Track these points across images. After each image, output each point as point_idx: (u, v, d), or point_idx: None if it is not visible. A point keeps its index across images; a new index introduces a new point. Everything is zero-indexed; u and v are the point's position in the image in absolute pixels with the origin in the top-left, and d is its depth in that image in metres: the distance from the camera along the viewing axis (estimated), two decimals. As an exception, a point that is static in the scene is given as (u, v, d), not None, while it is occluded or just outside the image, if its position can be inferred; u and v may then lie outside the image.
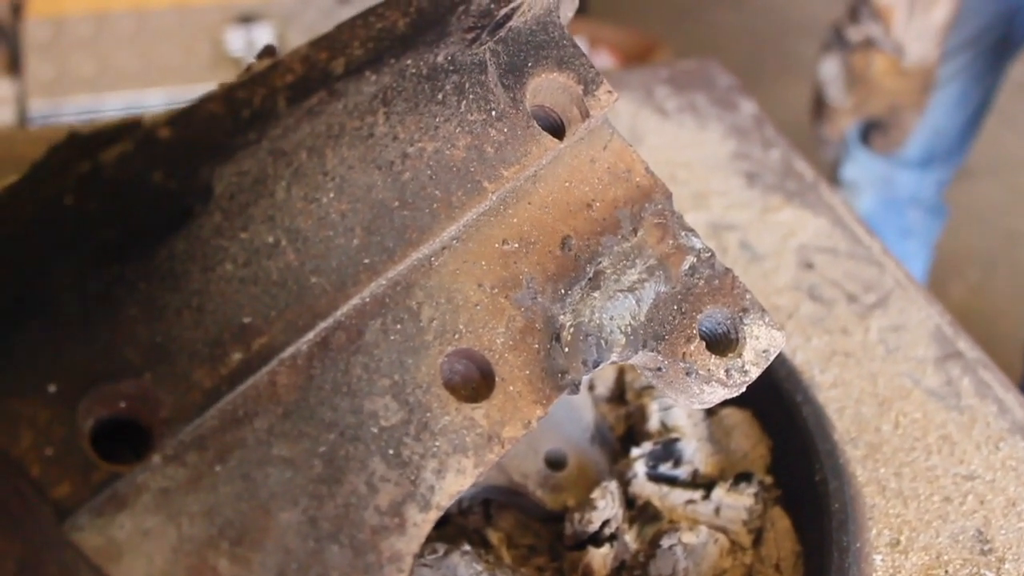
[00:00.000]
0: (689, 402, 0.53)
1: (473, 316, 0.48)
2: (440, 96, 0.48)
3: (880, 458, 0.70)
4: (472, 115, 0.49)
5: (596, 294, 0.51)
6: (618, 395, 0.74)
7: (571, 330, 0.50)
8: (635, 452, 0.66)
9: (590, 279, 0.51)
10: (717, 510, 0.64)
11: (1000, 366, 0.79)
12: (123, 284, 0.39)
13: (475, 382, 0.47)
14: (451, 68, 0.48)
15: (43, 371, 0.37)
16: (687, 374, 0.51)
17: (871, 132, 1.53)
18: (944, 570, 0.63)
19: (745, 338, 0.52)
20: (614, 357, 0.51)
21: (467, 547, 0.58)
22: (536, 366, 0.48)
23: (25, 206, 0.34)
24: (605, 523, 0.61)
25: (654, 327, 0.52)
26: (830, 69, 1.43)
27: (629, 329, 0.51)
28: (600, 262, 0.51)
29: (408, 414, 0.45)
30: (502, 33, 0.49)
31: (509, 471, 0.63)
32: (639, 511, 0.64)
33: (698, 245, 0.54)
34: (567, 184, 0.52)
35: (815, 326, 0.81)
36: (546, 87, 0.52)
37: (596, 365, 0.50)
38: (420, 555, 0.53)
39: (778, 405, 0.68)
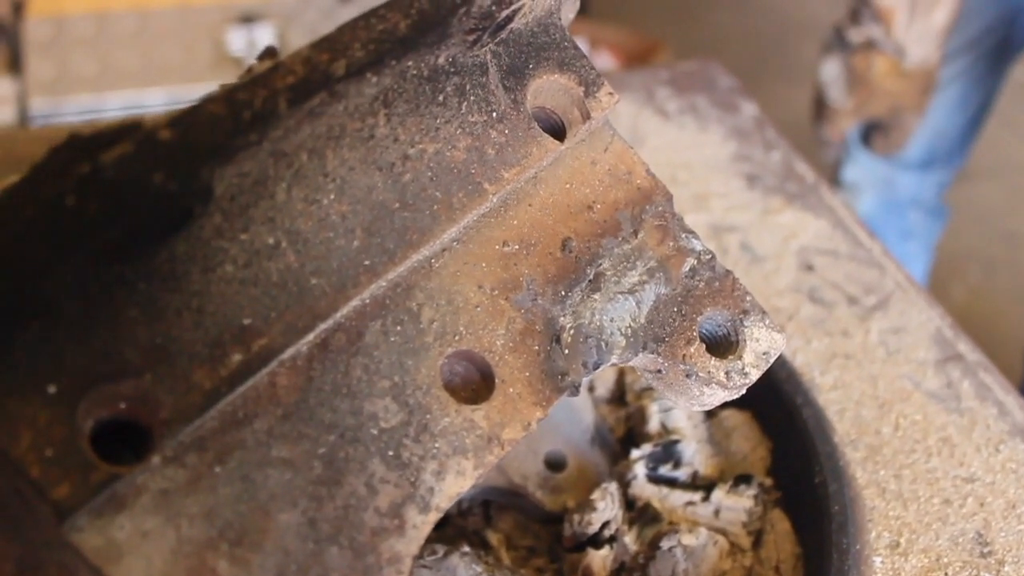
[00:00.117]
0: (689, 404, 0.53)
1: (473, 318, 0.48)
2: (441, 98, 0.48)
3: (880, 460, 0.70)
4: (473, 117, 0.49)
5: (596, 296, 0.51)
6: (618, 397, 0.74)
7: (571, 332, 0.50)
8: (635, 454, 0.66)
9: (590, 281, 0.51)
10: (717, 512, 0.64)
11: (1000, 368, 0.79)
12: (123, 285, 0.39)
13: (475, 384, 0.47)
14: (452, 70, 0.48)
15: (43, 371, 0.37)
16: (687, 376, 0.51)
17: (872, 134, 1.53)
18: (944, 572, 0.63)
19: (745, 340, 0.52)
20: (614, 359, 0.51)
21: (467, 548, 0.58)
22: (536, 368, 0.48)
23: (26, 207, 0.34)
24: (605, 525, 0.61)
25: (654, 329, 0.52)
26: (831, 71, 1.42)
27: (629, 331, 0.51)
28: (600, 264, 0.51)
29: (408, 416, 0.45)
30: (503, 35, 0.49)
31: (509, 472, 0.63)
32: (639, 513, 0.64)
33: (698, 247, 0.54)
34: (568, 186, 0.52)
35: (815, 328, 0.81)
36: (547, 89, 0.52)
37: (596, 367, 0.50)
38: (420, 556, 0.53)
39: (778, 407, 0.68)
